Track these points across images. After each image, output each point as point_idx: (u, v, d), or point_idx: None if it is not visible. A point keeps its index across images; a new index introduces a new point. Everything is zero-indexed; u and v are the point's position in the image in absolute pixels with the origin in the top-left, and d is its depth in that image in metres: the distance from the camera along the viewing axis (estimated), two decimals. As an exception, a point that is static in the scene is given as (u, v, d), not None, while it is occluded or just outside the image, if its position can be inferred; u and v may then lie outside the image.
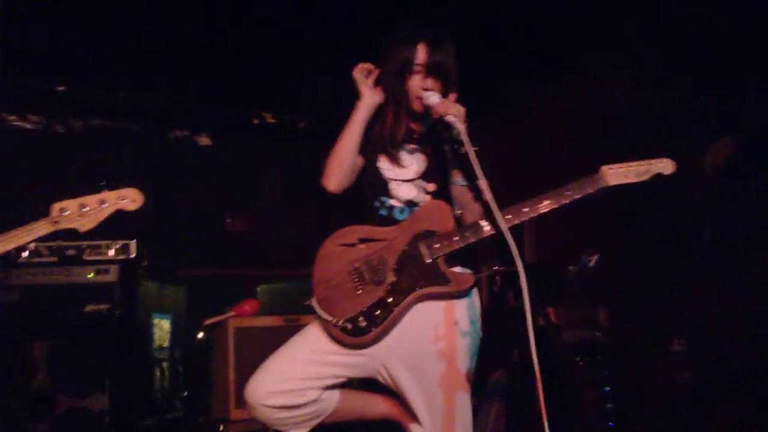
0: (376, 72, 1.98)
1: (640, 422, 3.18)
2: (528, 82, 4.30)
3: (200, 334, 4.28)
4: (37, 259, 3.29)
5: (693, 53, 3.35)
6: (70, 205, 1.74)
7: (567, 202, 1.85)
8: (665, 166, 1.90)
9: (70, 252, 3.32)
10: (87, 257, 3.33)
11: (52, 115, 4.45)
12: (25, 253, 3.30)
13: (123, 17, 3.57)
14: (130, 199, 1.77)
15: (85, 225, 1.75)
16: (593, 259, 2.96)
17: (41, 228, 1.73)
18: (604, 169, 1.89)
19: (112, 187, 1.79)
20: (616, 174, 1.88)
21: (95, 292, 3.26)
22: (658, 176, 1.90)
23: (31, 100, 4.32)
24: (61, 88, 4.28)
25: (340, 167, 1.95)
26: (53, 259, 3.30)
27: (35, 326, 3.14)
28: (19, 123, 4.38)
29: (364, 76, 1.98)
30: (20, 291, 3.20)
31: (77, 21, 3.59)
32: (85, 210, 1.74)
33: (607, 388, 3.09)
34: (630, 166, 1.89)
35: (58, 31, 3.66)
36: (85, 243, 3.33)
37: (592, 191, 1.86)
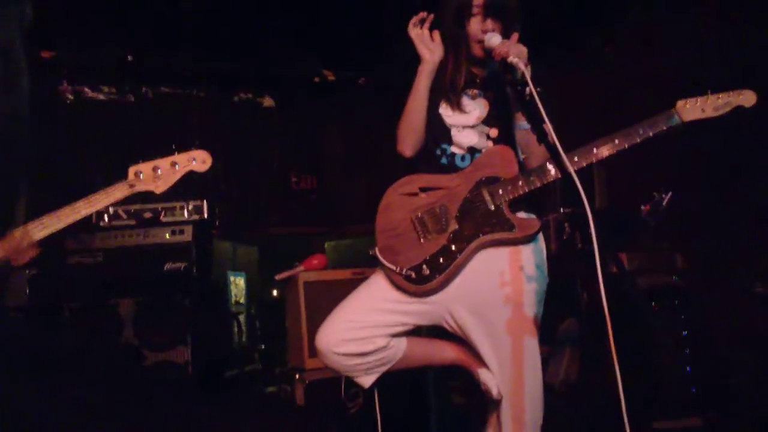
0: (430, 18, 1.92)
1: (718, 368, 3.06)
2: (595, 23, 4.08)
3: (274, 292, 4.44)
4: (116, 222, 3.48)
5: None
6: (144, 168, 1.82)
7: (639, 141, 1.77)
8: (747, 97, 1.77)
9: (147, 214, 3.49)
10: (163, 219, 3.49)
11: (123, 84, 4.62)
12: (106, 217, 3.49)
13: None
14: (200, 160, 1.83)
15: (159, 187, 1.82)
16: (666, 198, 2.83)
17: (119, 191, 1.82)
18: (680, 103, 1.79)
19: (182, 150, 1.86)
20: (693, 108, 1.78)
21: (172, 252, 3.42)
22: (740, 109, 1.77)
23: (103, 72, 4.50)
24: (131, 58, 4.42)
25: (413, 133, 1.96)
26: (132, 221, 3.48)
27: (119, 286, 3.34)
28: (92, 94, 4.58)
29: (420, 33, 1.93)
30: (103, 253, 3.40)
31: None
32: (158, 172, 1.81)
33: (685, 333, 2.99)
34: (707, 99, 1.78)
35: (123, 6, 3.75)
36: (160, 205, 3.49)
37: (666, 128, 1.77)
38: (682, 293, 3.09)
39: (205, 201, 3.51)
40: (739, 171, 3.27)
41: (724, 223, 3.27)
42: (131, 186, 1.80)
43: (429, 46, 1.92)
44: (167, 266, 3.42)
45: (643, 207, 2.96)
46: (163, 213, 3.51)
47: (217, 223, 3.81)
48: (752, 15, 3.19)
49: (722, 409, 2.89)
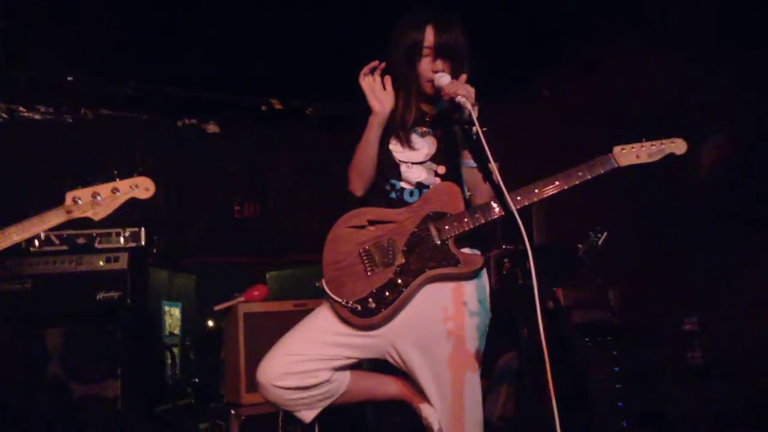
0: (381, 66, 1.94)
1: (650, 403, 3.18)
2: (539, 64, 4.27)
3: (210, 323, 4.31)
4: (48, 248, 3.32)
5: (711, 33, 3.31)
6: (83, 195, 1.75)
7: (578, 182, 1.85)
8: (678, 145, 1.90)
9: (81, 240, 3.34)
10: (98, 245, 3.35)
11: (61, 105, 4.46)
12: (37, 243, 3.32)
13: (129, 6, 3.57)
14: (143, 187, 1.78)
15: (98, 213, 1.76)
16: (602, 237, 2.96)
17: (55, 217, 1.74)
18: (617, 149, 1.89)
19: (124, 176, 1.80)
20: (628, 154, 1.88)
21: (106, 280, 3.28)
22: (671, 156, 1.89)
23: (40, 91, 4.34)
24: (70, 79, 4.29)
25: (364, 177, 1.98)
26: (64, 247, 3.33)
27: (47, 315, 3.17)
28: (28, 114, 4.40)
29: (371, 84, 1.94)
30: (32, 279, 3.23)
31: (84, 11, 3.58)
32: (98, 199, 1.75)
33: (617, 369, 3.10)
34: (642, 146, 1.89)
35: (65, 22, 3.66)
36: (95, 231, 3.36)
37: (603, 172, 1.86)
38: (614, 329, 3.21)
39: (143, 228, 3.40)
40: (671, 214, 3.46)
41: (656, 262, 3.44)
42: (68, 212, 1.73)
43: (379, 97, 1.93)
44: (100, 295, 3.27)
45: (579, 246, 3.07)
46: (98, 239, 3.37)
47: (154, 250, 3.69)
48: (691, 58, 3.42)
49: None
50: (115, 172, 1.77)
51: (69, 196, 1.73)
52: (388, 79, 1.95)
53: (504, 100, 4.35)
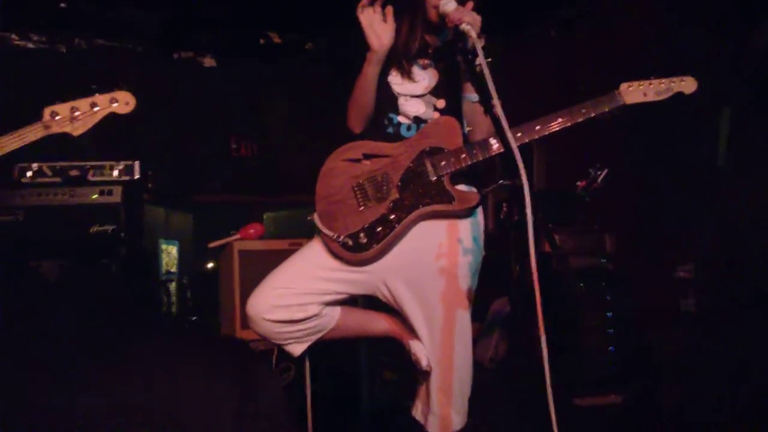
0: (381, 1, 1.82)
1: (642, 348, 3.20)
2: (547, 4, 4.11)
3: (210, 264, 4.31)
4: (40, 179, 3.27)
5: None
6: (61, 109, 1.70)
7: (581, 119, 1.78)
8: (687, 84, 1.82)
9: (74, 172, 3.29)
10: (91, 178, 3.30)
11: (55, 33, 4.32)
12: (29, 174, 3.27)
13: None
14: (122, 101, 1.72)
15: (77, 129, 1.71)
16: (602, 174, 2.91)
17: (33, 132, 1.69)
18: (624, 86, 1.82)
19: (103, 91, 1.74)
20: (635, 92, 1.81)
21: (99, 213, 3.25)
22: (679, 95, 1.82)
23: (32, 18, 4.19)
24: (63, 5, 4.14)
25: (363, 114, 1.91)
26: (57, 179, 3.28)
27: (41, 246, 3.15)
28: (20, 42, 4.27)
29: (370, 16, 1.81)
30: (25, 211, 3.19)
31: None
32: (77, 113, 1.70)
33: (610, 314, 3.10)
34: (650, 83, 1.81)
35: None
36: (88, 163, 3.30)
37: (608, 109, 1.79)
38: (609, 275, 3.20)
39: (137, 162, 3.34)
40: (670, 160, 3.40)
41: (653, 208, 3.41)
42: (46, 127, 1.68)
43: (378, 32, 1.81)
44: (94, 228, 3.24)
45: (578, 183, 3.03)
46: (91, 172, 3.32)
47: (149, 186, 3.64)
48: (700, 12, 3.29)
49: (642, 386, 3.03)
50: (94, 86, 1.71)
51: (47, 111, 1.68)
52: (389, 11, 1.83)
53: (510, 39, 4.22)
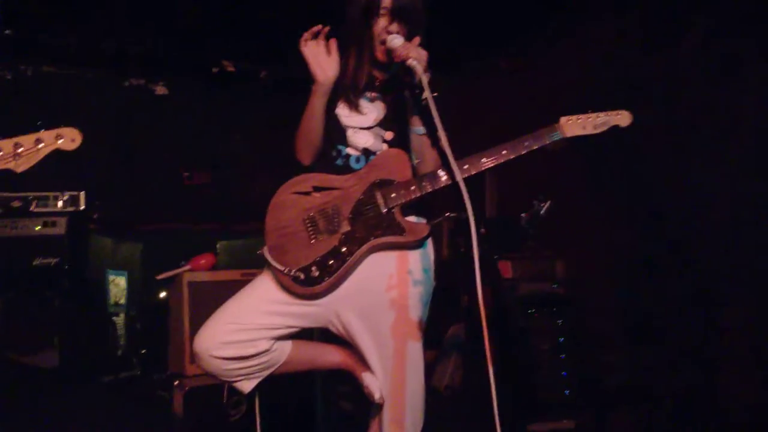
0: (325, 31, 1.83)
1: (593, 372, 3.26)
2: (495, 40, 4.23)
3: (162, 294, 4.20)
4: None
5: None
6: (4, 145, 1.65)
7: (524, 152, 1.83)
8: (622, 118, 1.90)
9: (16, 203, 3.19)
10: (34, 209, 3.20)
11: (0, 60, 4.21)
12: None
13: None
14: (68, 138, 1.68)
15: (20, 165, 1.66)
16: (545, 206, 2.99)
17: None
18: (563, 120, 1.88)
19: (49, 127, 1.70)
20: (574, 125, 1.87)
21: (43, 245, 3.15)
22: (615, 128, 1.89)
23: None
24: (8, 32, 4.04)
25: (311, 146, 1.91)
26: (-2, 211, 3.17)
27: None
28: (-37, 69, 4.14)
29: (314, 50, 1.82)
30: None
31: None
32: (20, 150, 1.65)
33: (561, 339, 3.16)
34: (588, 117, 1.88)
35: None
36: (31, 194, 3.21)
37: (549, 142, 1.85)
38: (560, 300, 3.27)
39: (82, 192, 3.26)
40: (616, 187, 3.52)
41: (603, 233, 3.51)
42: None
43: (323, 65, 1.81)
44: (37, 261, 3.14)
45: (522, 215, 3.10)
46: (34, 203, 3.22)
47: (95, 216, 3.55)
48: (639, 41, 3.44)
49: (596, 411, 3.08)
50: (39, 122, 1.67)
51: None
52: (333, 44, 1.85)
53: (460, 72, 4.32)
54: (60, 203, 3.24)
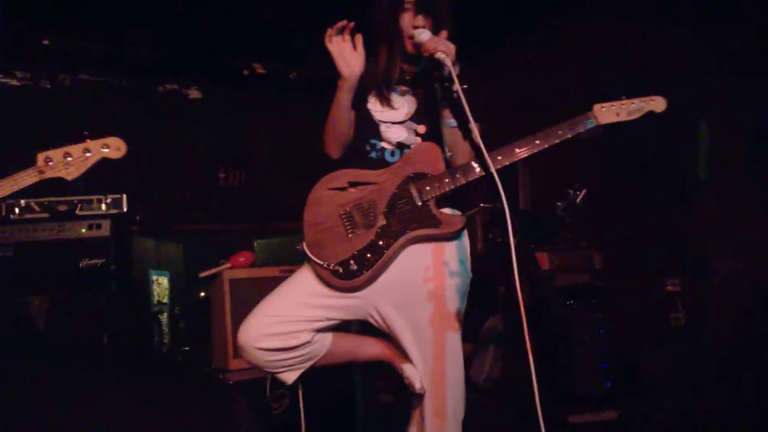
0: (350, 26, 1.87)
1: (633, 364, 3.22)
2: (522, 28, 4.20)
3: (202, 293, 4.30)
4: (29, 215, 3.27)
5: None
6: (54, 155, 1.75)
7: (558, 141, 1.83)
8: (657, 103, 1.88)
9: (62, 207, 3.30)
10: (79, 212, 3.31)
11: (39, 70, 4.35)
12: (17, 210, 3.28)
13: None
14: (114, 147, 1.78)
15: (71, 173, 1.76)
16: (580, 194, 2.96)
17: (27, 178, 1.74)
18: (597, 107, 1.87)
19: (95, 137, 1.79)
20: (608, 112, 1.86)
21: (89, 247, 3.25)
22: (651, 114, 1.87)
23: (16, 55, 4.22)
24: (47, 42, 4.18)
25: (339, 140, 1.96)
26: (45, 214, 3.29)
27: (31, 282, 3.14)
28: (4, 79, 4.29)
29: (339, 46, 1.86)
30: (14, 247, 3.19)
31: None
32: (69, 159, 1.75)
33: (601, 330, 3.13)
34: (622, 104, 1.87)
35: None
36: (76, 198, 3.31)
37: (583, 130, 1.84)
38: (598, 292, 3.24)
39: (124, 195, 3.36)
40: (653, 175, 3.46)
41: (640, 224, 3.46)
42: (40, 172, 1.73)
43: (348, 61, 1.86)
44: (83, 263, 3.25)
45: (558, 203, 3.08)
46: (79, 206, 3.33)
47: (137, 218, 3.65)
48: (672, 32, 3.38)
49: (636, 402, 3.04)
50: (86, 132, 1.76)
51: (41, 157, 1.73)
52: (358, 39, 1.88)
53: (489, 62, 4.29)
54: (104, 206, 3.34)
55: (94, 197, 3.33)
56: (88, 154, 1.75)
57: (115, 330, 3.21)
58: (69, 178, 1.75)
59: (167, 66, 4.59)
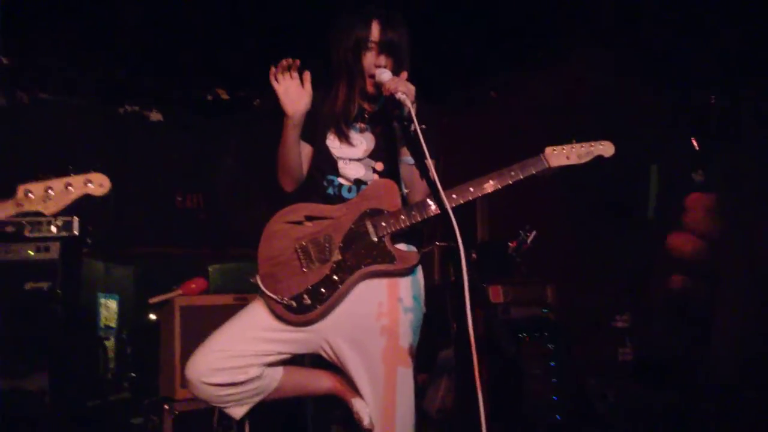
0: (296, 64, 1.87)
1: (583, 396, 3.29)
2: (482, 70, 4.31)
3: (152, 316, 4.20)
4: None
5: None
6: (36, 189, 1.69)
7: (511, 182, 1.88)
8: (605, 148, 1.96)
9: (9, 228, 3.19)
10: (27, 233, 3.21)
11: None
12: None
13: None
14: (97, 183, 1.74)
15: (49, 208, 1.71)
16: (531, 236, 3.04)
17: (4, 209, 1.68)
18: (548, 150, 1.94)
19: (78, 171, 1.75)
20: (559, 155, 1.93)
21: (36, 270, 3.15)
22: (600, 158, 1.95)
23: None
24: (6, 61, 4.09)
25: (289, 174, 1.97)
26: (-8, 235, 3.17)
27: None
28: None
29: (285, 83, 1.86)
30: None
31: None
32: (50, 193, 1.70)
33: (552, 363, 3.19)
34: (572, 148, 1.94)
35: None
36: (24, 219, 3.21)
37: (535, 172, 1.90)
38: (550, 325, 3.30)
39: (75, 217, 3.27)
40: (607, 213, 3.58)
41: (592, 260, 3.56)
42: (18, 205, 1.67)
43: (293, 98, 1.86)
44: (29, 285, 3.14)
45: (510, 243, 3.15)
46: (28, 228, 3.23)
47: (88, 241, 3.56)
48: (623, 71, 3.54)
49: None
50: (70, 167, 1.72)
51: (21, 189, 1.67)
52: (306, 76, 1.89)
53: (450, 101, 4.40)
54: (54, 228, 3.23)
55: (44, 219, 3.23)
56: (70, 189, 1.70)
57: (58, 354, 3.10)
58: (47, 212, 1.70)
59: (129, 87, 4.53)
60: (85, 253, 3.66)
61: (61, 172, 1.72)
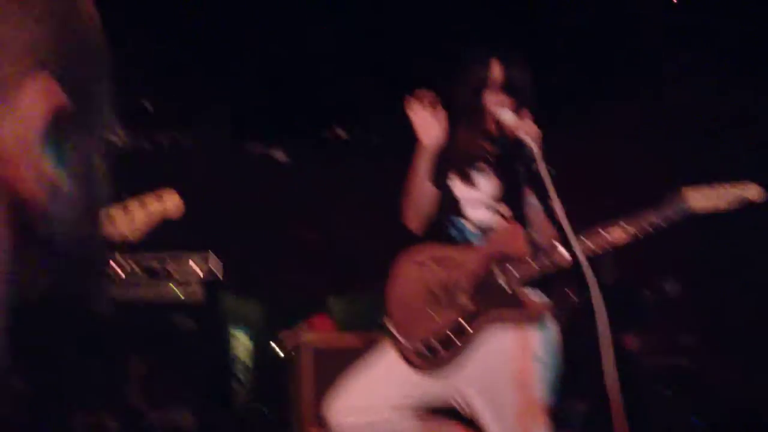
0: (430, 96, 1.91)
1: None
2: (602, 96, 4.14)
3: (281, 352, 4.34)
4: (123, 273, 3.40)
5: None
6: (115, 211, 1.76)
7: (649, 229, 1.77)
8: (751, 191, 1.76)
9: (156, 265, 3.39)
10: (169, 267, 3.40)
11: (138, 131, 4.59)
12: (117, 267, 3.44)
13: (199, 25, 3.62)
14: (170, 201, 1.80)
15: (135, 233, 1.77)
16: (674, 289, 2.81)
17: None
18: (688, 191, 1.79)
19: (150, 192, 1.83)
20: (702, 197, 1.77)
21: (180, 307, 3.37)
22: (747, 202, 1.76)
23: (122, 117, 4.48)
24: (147, 104, 4.43)
25: (417, 210, 1.97)
26: (138, 272, 3.40)
27: (126, 341, 3.28)
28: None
29: (420, 115, 1.90)
30: (111, 305, 3.35)
31: (160, 30, 3.62)
32: (130, 214, 1.77)
33: (695, 420, 2.92)
34: (715, 190, 1.77)
35: (141, 44, 3.73)
36: (165, 254, 3.41)
37: (674, 217, 1.77)
38: (690, 376, 3.02)
39: (210, 251, 3.47)
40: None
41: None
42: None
43: (428, 129, 1.89)
44: (175, 321, 3.38)
45: (647, 293, 2.93)
46: (167, 262, 3.44)
47: (221, 275, 3.77)
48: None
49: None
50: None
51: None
52: (441, 111, 1.92)
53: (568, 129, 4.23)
54: (191, 262, 3.43)
55: (182, 253, 3.42)
56: (148, 208, 1.77)
57: (198, 389, 3.29)
58: (133, 237, 1.78)
59: (250, 127, 4.78)
60: (220, 288, 3.89)
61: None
